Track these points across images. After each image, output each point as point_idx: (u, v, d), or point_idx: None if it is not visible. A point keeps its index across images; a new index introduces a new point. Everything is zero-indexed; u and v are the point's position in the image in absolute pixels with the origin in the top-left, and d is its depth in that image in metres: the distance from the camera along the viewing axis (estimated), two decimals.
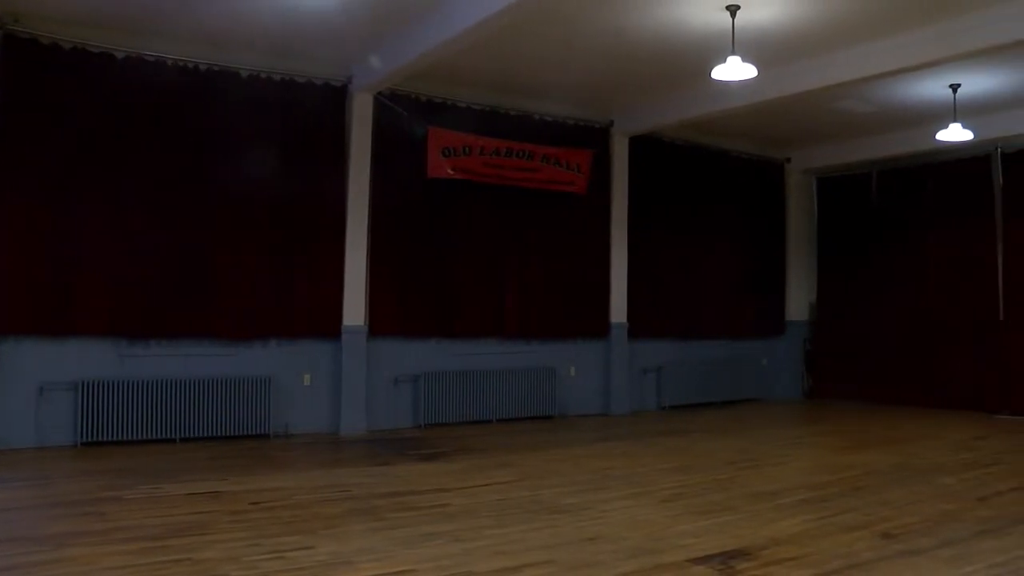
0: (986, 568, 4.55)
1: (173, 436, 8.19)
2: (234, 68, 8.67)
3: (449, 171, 9.77)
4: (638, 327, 11.49)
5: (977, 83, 9.37)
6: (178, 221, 8.37)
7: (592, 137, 11.06)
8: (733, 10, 7.26)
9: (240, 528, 5.12)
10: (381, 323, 9.45)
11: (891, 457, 8.10)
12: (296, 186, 8.98)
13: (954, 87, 9.46)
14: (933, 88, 9.58)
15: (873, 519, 5.60)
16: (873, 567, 4.52)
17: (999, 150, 11.65)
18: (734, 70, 7.41)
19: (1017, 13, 7.11)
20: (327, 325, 9.12)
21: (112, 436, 7.94)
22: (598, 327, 11.17)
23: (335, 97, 9.24)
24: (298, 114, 9.02)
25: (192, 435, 8.28)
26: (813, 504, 6.05)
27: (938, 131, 9.85)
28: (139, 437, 8.05)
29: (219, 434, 8.41)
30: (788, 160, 13.48)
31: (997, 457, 8.19)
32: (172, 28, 8.08)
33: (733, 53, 7.40)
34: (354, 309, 9.23)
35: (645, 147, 11.60)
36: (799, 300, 13.69)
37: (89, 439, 7.85)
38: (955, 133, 9.64)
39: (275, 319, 8.85)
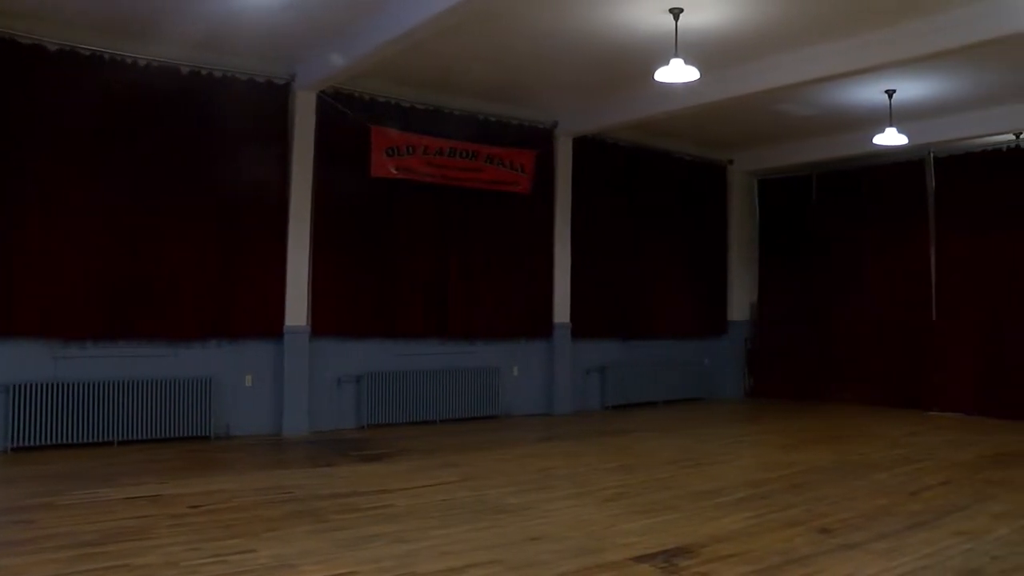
0: (916, 559, 4.69)
1: (111, 439, 8.01)
2: (174, 64, 8.51)
3: (392, 171, 9.72)
4: (581, 327, 11.55)
5: (911, 89, 9.61)
6: (116, 220, 8.18)
7: (536, 138, 11.09)
8: (676, 13, 7.33)
9: (180, 532, 5.04)
10: (324, 323, 9.37)
11: (829, 454, 8.26)
12: (237, 185, 8.85)
13: (890, 92, 9.69)
14: (870, 93, 9.79)
15: (811, 515, 5.71)
16: (811, 561, 4.62)
17: (932, 155, 11.97)
18: (677, 72, 7.49)
19: (948, 23, 7.32)
20: (269, 325, 9.02)
21: (45, 440, 7.73)
22: (541, 327, 11.21)
23: (278, 95, 9.14)
24: (240, 112, 8.88)
25: (130, 438, 8.11)
26: (753, 502, 6.14)
27: (875, 135, 10.07)
28: (74, 441, 7.86)
29: (158, 436, 8.25)
30: (730, 162, 13.67)
31: (928, 452, 8.41)
32: (108, 22, 7.88)
33: (676, 55, 7.47)
34: (296, 309, 9.14)
35: (589, 148, 11.66)
36: (741, 300, 13.89)
37: (20, 444, 7.64)
38: (891, 137, 9.87)
39: (216, 319, 8.71)
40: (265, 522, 5.33)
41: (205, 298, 8.64)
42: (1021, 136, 11.03)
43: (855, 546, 4.94)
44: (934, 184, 12.07)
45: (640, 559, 4.64)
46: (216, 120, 8.75)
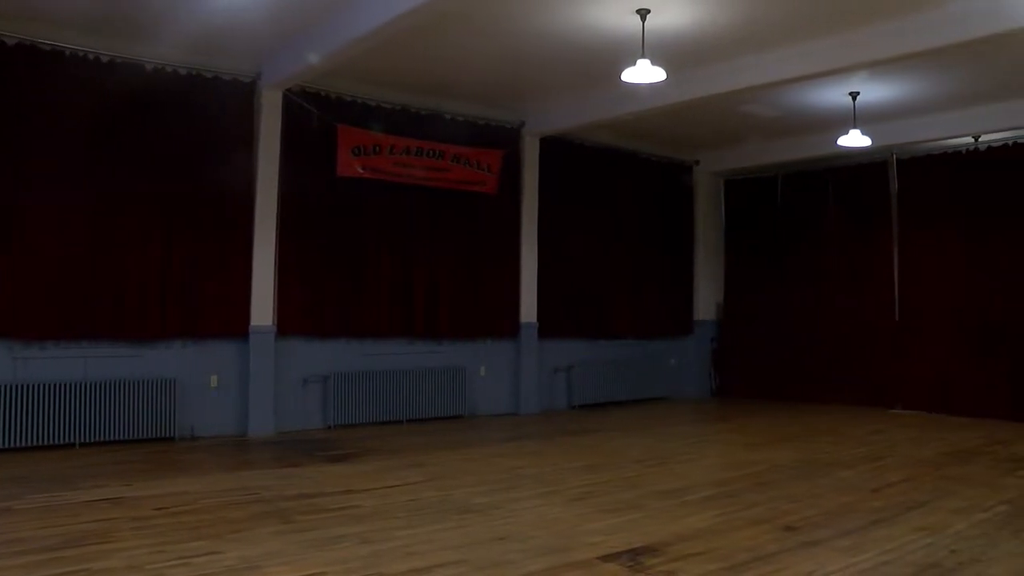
0: (878, 555, 4.76)
1: (72, 441, 7.91)
2: (137, 61, 8.40)
3: (359, 170, 9.69)
4: (548, 327, 11.57)
5: (875, 92, 9.74)
6: (77, 218, 8.07)
7: (503, 137, 11.09)
8: (643, 14, 7.37)
9: (143, 535, 4.98)
10: (290, 323, 9.32)
11: (794, 453, 8.35)
12: (202, 183, 8.77)
13: (854, 95, 9.81)
14: (834, 95, 9.90)
15: (776, 513, 5.77)
16: (776, 559, 4.67)
17: (895, 156, 12.14)
18: (644, 73, 7.52)
19: (912, 27, 7.42)
20: (234, 325, 8.94)
21: (4, 443, 7.60)
22: (508, 327, 11.22)
23: (243, 93, 9.07)
24: (205, 110, 8.81)
25: (93, 440, 8.00)
26: (719, 500, 6.20)
27: (839, 137, 10.19)
28: (34, 443, 7.73)
29: (122, 438, 8.15)
30: (697, 162, 13.77)
31: (891, 450, 8.53)
32: (69, 16, 7.75)
33: (643, 56, 7.50)
34: (262, 309, 9.08)
35: (556, 148, 11.69)
36: (707, 300, 13.99)
37: None
38: (855, 139, 9.99)
39: (181, 319, 8.63)
40: (231, 524, 5.29)
41: (169, 298, 8.55)
42: (980, 139, 11.23)
43: (819, 543, 5.01)
44: (897, 185, 12.24)
45: (607, 558, 4.67)
46: (181, 118, 8.66)
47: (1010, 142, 11.08)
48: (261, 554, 4.64)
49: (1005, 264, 11.06)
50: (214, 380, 8.90)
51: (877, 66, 8.39)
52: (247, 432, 8.93)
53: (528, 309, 11.36)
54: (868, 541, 5.06)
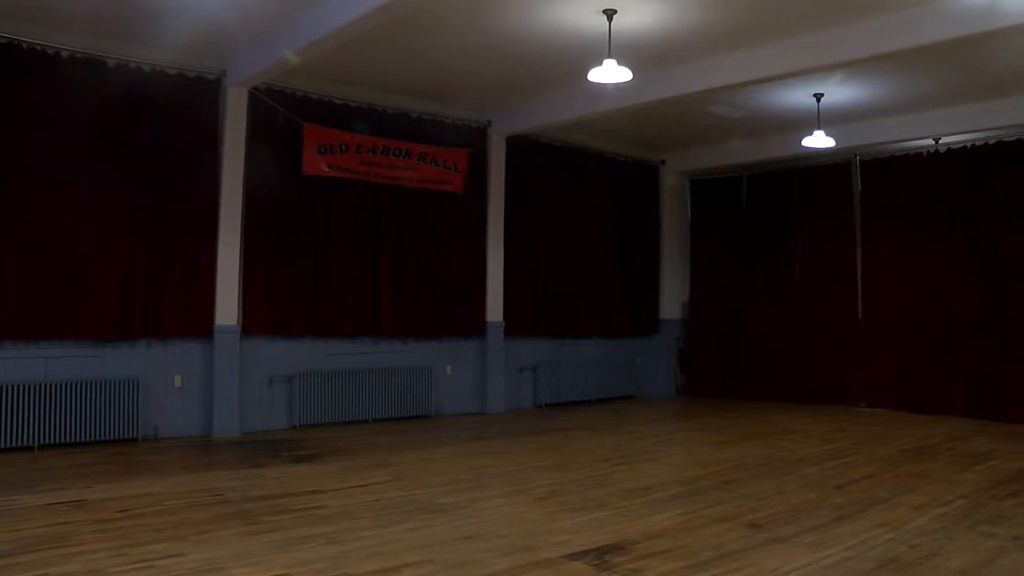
0: (841, 551, 4.83)
1: (30, 443, 7.79)
2: (99, 56, 8.30)
3: (325, 168, 9.64)
4: (514, 326, 11.59)
5: (839, 93, 9.86)
6: (37, 216, 7.94)
7: (469, 136, 11.09)
8: (610, 14, 7.40)
9: (105, 538, 4.91)
10: (255, 322, 9.26)
11: (759, 451, 8.43)
12: (167, 181, 8.68)
13: (818, 96, 9.93)
14: (799, 97, 10.02)
15: (741, 510, 5.82)
16: (741, 556, 4.71)
17: (858, 158, 12.30)
18: (610, 73, 7.56)
19: (874, 30, 7.54)
20: (199, 325, 8.86)
21: None
22: (474, 326, 11.21)
23: (208, 90, 8.99)
24: (169, 107, 8.70)
25: (53, 442, 7.89)
26: (685, 498, 6.24)
27: (803, 138, 10.31)
28: None
29: (83, 440, 8.05)
30: (663, 162, 13.85)
31: (854, 447, 8.63)
32: (24, 8, 7.59)
33: (609, 56, 7.55)
34: (227, 308, 9.01)
35: (522, 147, 11.70)
36: (672, 299, 14.08)
37: None
38: (819, 140, 10.11)
39: (144, 319, 8.53)
40: (194, 525, 5.24)
41: (132, 297, 8.46)
42: (940, 141, 11.40)
43: (783, 540, 5.06)
44: (860, 186, 12.40)
45: (573, 556, 4.68)
46: (144, 116, 8.56)
47: (968, 144, 11.26)
48: (226, 556, 4.61)
49: (964, 265, 11.24)
50: (178, 380, 8.82)
51: (841, 68, 8.51)
52: (212, 433, 8.85)
53: (494, 308, 11.36)
54: (831, 537, 5.12)
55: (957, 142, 11.33)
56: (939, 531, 5.27)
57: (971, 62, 8.67)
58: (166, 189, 8.68)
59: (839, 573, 4.44)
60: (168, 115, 8.71)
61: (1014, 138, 10.84)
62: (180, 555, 4.59)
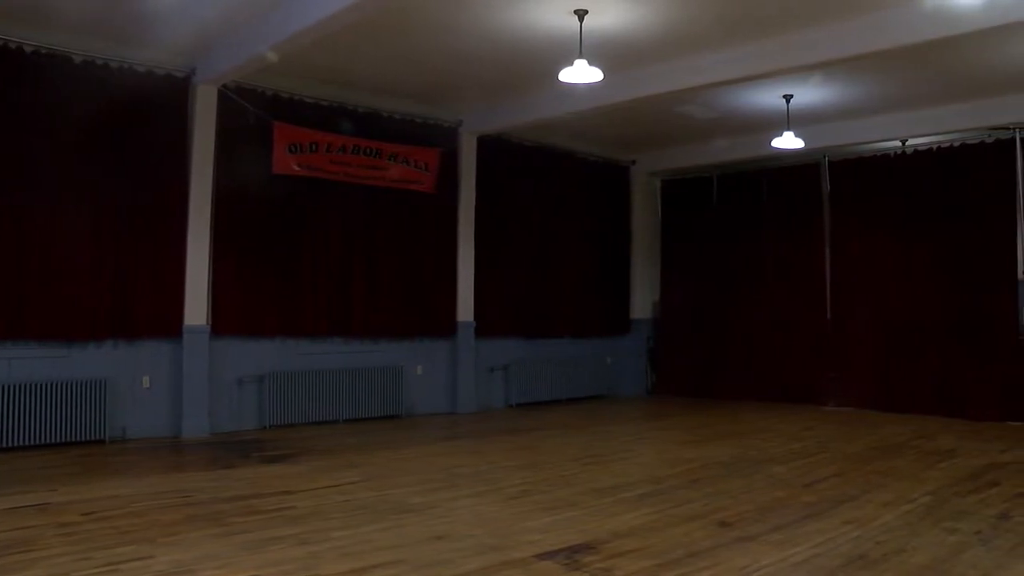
0: (809, 548, 4.88)
1: None
2: (65, 52, 8.18)
3: (295, 168, 9.60)
4: (485, 326, 11.59)
5: (808, 95, 9.95)
6: (1, 213, 7.84)
7: (440, 136, 11.07)
8: (581, 15, 7.42)
9: (70, 542, 4.85)
10: (225, 322, 9.19)
11: (729, 449, 8.48)
12: (135, 179, 8.59)
13: (787, 97, 10.02)
14: (769, 98, 10.10)
15: (711, 509, 5.86)
16: (710, 554, 4.74)
17: (827, 158, 12.41)
18: (581, 73, 7.58)
19: (842, 33, 7.62)
20: (168, 325, 8.78)
21: None
22: (445, 326, 11.20)
23: (177, 88, 8.90)
24: (137, 104, 8.60)
25: (17, 444, 7.78)
26: (655, 497, 6.27)
27: (773, 138, 10.38)
28: None
29: (49, 442, 7.94)
30: (633, 162, 13.90)
31: (822, 446, 8.71)
32: None
33: (580, 57, 7.56)
34: (196, 308, 8.93)
35: (493, 147, 11.70)
36: (643, 299, 14.13)
37: None
38: (788, 141, 10.19)
39: (112, 319, 8.44)
40: (163, 527, 5.20)
41: (100, 297, 8.36)
42: (907, 143, 11.53)
43: (752, 538, 5.10)
44: (829, 187, 12.51)
45: (543, 556, 4.69)
46: (112, 113, 8.45)
47: (934, 147, 11.41)
48: (195, 558, 4.57)
49: (931, 265, 11.38)
50: (146, 381, 8.73)
51: (807, 70, 8.57)
52: (181, 433, 8.77)
53: (465, 308, 11.36)
54: (800, 535, 5.17)
55: (924, 144, 11.47)
56: (905, 527, 5.34)
57: (937, 66, 8.79)
58: (134, 188, 8.59)
59: (807, 570, 4.49)
60: (136, 113, 8.61)
61: (978, 140, 11.00)
62: (148, 558, 4.55)
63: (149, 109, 8.70)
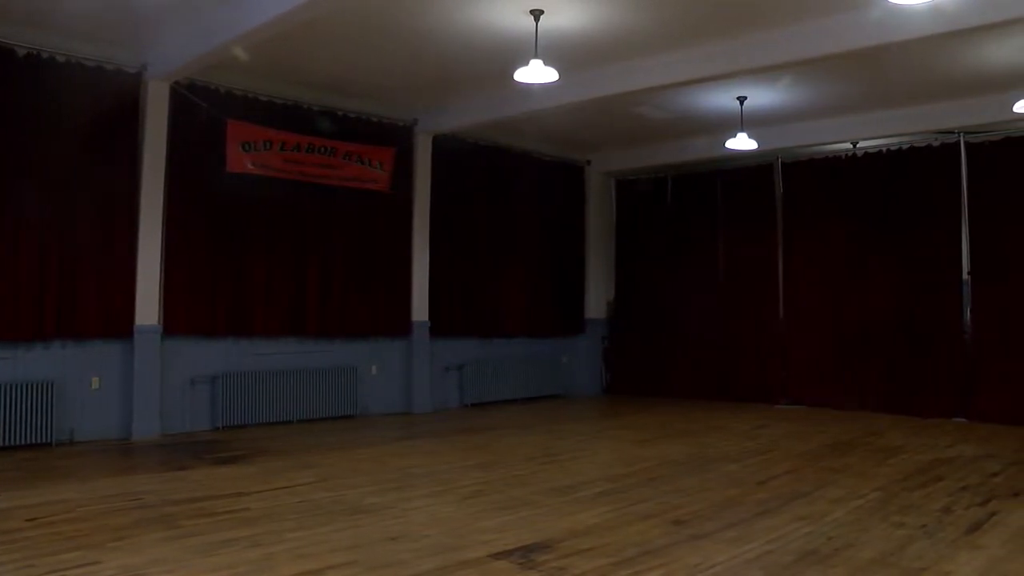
0: (762, 545, 4.93)
1: None
2: (7, 45, 7.98)
3: (249, 166, 9.49)
4: (440, 325, 11.57)
5: (761, 97, 10.08)
6: None
7: (395, 135, 11.03)
8: (537, 15, 7.44)
9: (12, 549, 4.70)
10: (177, 322, 9.06)
11: (683, 448, 8.56)
12: (83, 176, 8.42)
13: (741, 99, 10.13)
14: (723, 99, 10.20)
15: (665, 507, 5.90)
16: (665, 552, 4.77)
17: (780, 160, 12.57)
18: (536, 73, 7.59)
19: (793, 36, 7.76)
20: (118, 325, 8.63)
21: None
22: (400, 326, 11.16)
23: (128, 84, 8.74)
24: (86, 100, 8.44)
25: None
26: (610, 496, 6.30)
27: (727, 139, 10.51)
28: None
29: None
30: (588, 162, 13.96)
31: (775, 443, 8.83)
32: None
33: (536, 57, 7.57)
34: (148, 308, 8.79)
35: (449, 146, 11.68)
36: (598, 299, 14.20)
37: None
38: (742, 142, 10.32)
39: (59, 319, 8.26)
40: (111, 532, 5.10)
41: (47, 296, 8.18)
42: (858, 145, 11.73)
43: (706, 536, 5.14)
44: (782, 188, 12.67)
45: (498, 555, 4.69)
46: (59, 108, 8.28)
47: (884, 149, 11.61)
48: (144, 562, 4.49)
49: (880, 265, 11.58)
50: (96, 382, 8.58)
51: (760, 73, 8.68)
52: (131, 435, 8.63)
53: (420, 308, 11.33)
54: (753, 532, 5.23)
55: (874, 146, 11.67)
56: (855, 523, 5.42)
57: (886, 70, 8.97)
58: (81, 185, 8.42)
59: (759, 567, 4.53)
60: (85, 109, 8.44)
61: (925, 144, 11.22)
62: (95, 563, 4.45)
63: (99, 105, 8.53)
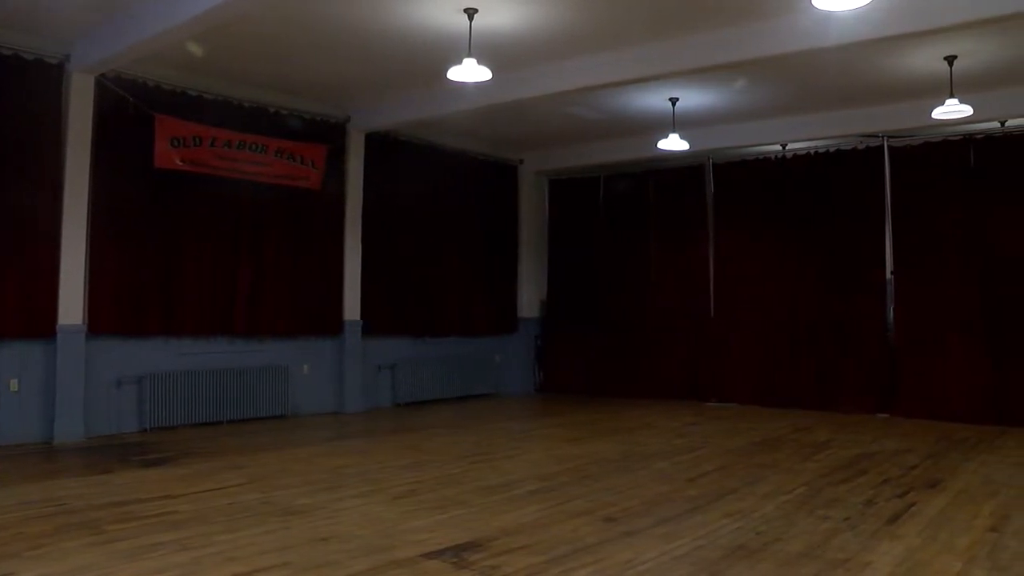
0: (692, 540, 5.01)
1: None
2: None
3: (178, 162, 9.31)
4: (373, 324, 11.49)
5: (693, 98, 10.22)
6: None
7: (328, 132, 10.92)
8: (471, 13, 7.43)
9: None
10: (102, 321, 8.83)
11: (616, 446, 8.63)
12: (1, 171, 8.17)
13: (673, 100, 10.26)
14: (655, 100, 10.32)
15: (597, 504, 5.95)
16: (597, 549, 4.81)
17: (711, 161, 12.76)
18: (470, 72, 7.59)
19: (723, 40, 7.88)
20: (39, 324, 8.37)
21: None
22: (331, 325, 11.06)
23: (50, 75, 8.48)
24: (3, 93, 8.20)
25: None
26: (543, 494, 6.32)
27: (659, 140, 10.63)
28: None
29: None
30: (521, 162, 13.99)
31: (705, 441, 8.96)
32: None
33: (469, 55, 7.57)
34: (71, 306, 8.55)
35: (382, 144, 11.61)
36: (531, 298, 14.25)
37: None
38: (673, 143, 10.45)
39: None
40: (30, 539, 4.93)
41: None
42: (787, 147, 11.97)
43: (637, 532, 5.20)
44: (713, 188, 12.87)
45: (430, 555, 4.68)
46: None
47: (812, 151, 11.88)
48: (66, 570, 4.37)
49: (808, 265, 11.84)
50: (14, 384, 8.31)
51: (691, 74, 8.80)
52: (53, 438, 8.39)
53: (352, 307, 11.24)
54: (683, 528, 5.30)
55: (802, 149, 11.95)
56: (782, 517, 5.54)
57: (814, 75, 9.18)
58: (2, 182, 8.16)
59: (689, 562, 4.60)
60: (3, 102, 8.18)
61: (851, 147, 11.52)
62: (11, 574, 4.30)
63: (17, 96, 8.25)
